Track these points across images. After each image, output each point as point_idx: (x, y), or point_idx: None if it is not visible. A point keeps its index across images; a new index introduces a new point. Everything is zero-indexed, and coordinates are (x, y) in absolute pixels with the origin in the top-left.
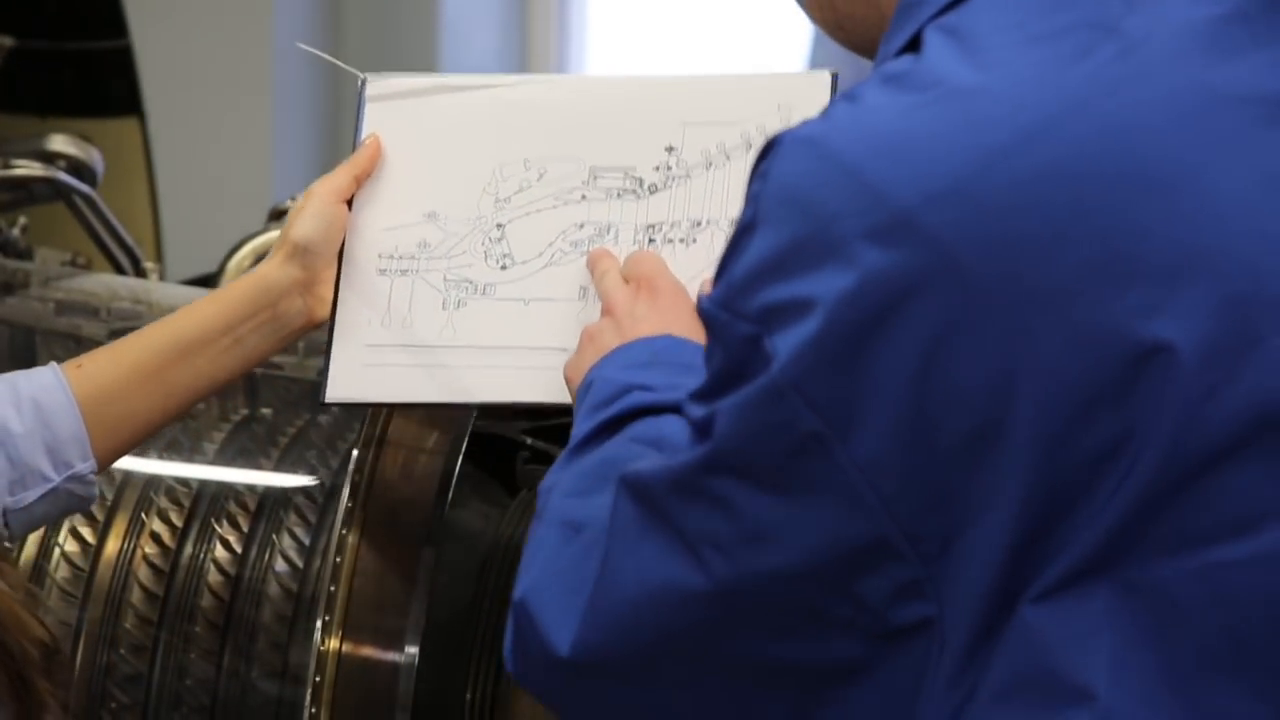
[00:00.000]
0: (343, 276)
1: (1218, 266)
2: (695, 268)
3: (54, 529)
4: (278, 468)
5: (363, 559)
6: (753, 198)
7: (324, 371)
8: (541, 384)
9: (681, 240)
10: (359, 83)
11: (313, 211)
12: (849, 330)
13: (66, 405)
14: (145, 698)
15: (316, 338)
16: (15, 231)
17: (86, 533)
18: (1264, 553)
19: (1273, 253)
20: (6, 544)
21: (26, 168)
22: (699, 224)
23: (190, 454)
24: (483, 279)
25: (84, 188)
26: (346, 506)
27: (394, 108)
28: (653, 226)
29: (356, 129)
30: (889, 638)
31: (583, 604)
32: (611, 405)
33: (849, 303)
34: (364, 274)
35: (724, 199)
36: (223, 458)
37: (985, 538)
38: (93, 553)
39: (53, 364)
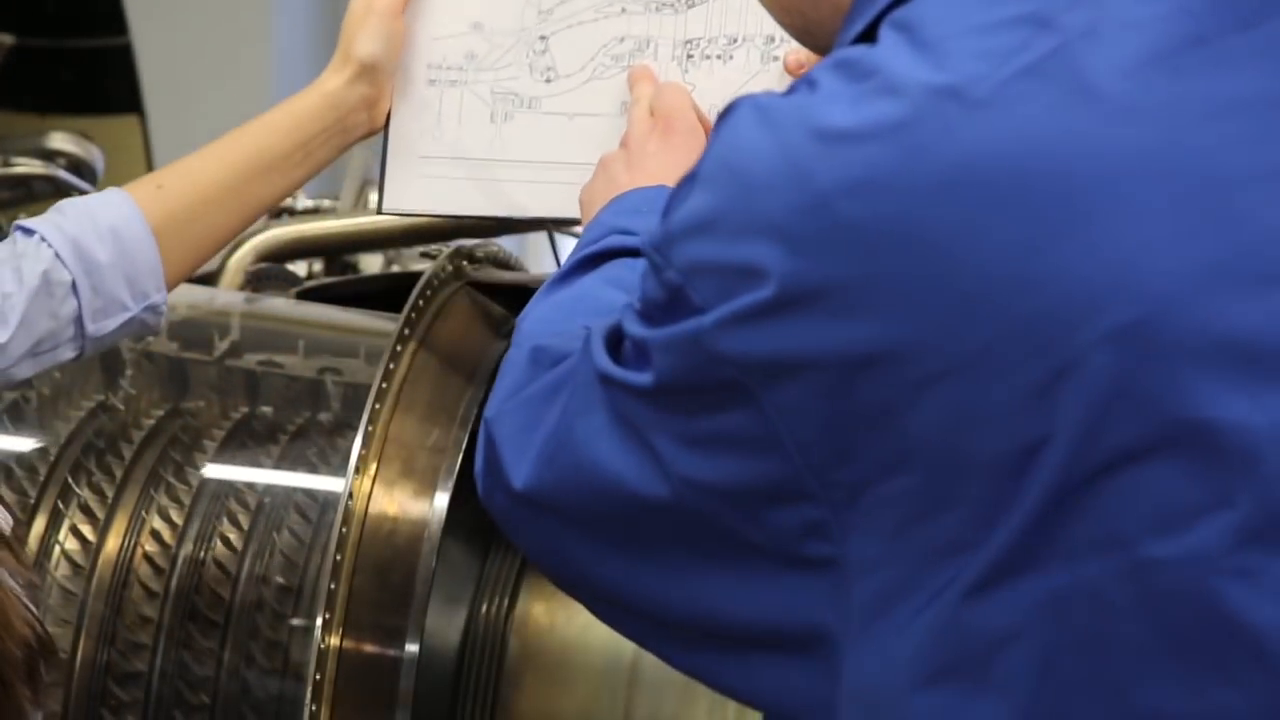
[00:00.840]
0: (395, 88)
1: (1134, 274)
2: (733, 84)
3: (54, 527)
4: (278, 465)
5: (363, 556)
6: (705, 151)
7: (380, 183)
8: None
9: (719, 56)
10: None
11: (375, 28)
12: (768, 307)
13: (144, 236)
14: (146, 695)
15: (318, 338)
16: None
17: (87, 530)
18: (1191, 552)
19: (1191, 262)
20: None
21: (27, 165)
22: (735, 40)
23: (190, 451)
24: (528, 92)
25: (84, 185)
26: (346, 504)
27: None
28: (690, 42)
29: None
30: (797, 563)
31: (538, 444)
32: (593, 244)
33: (771, 281)
34: (415, 85)
35: (759, 15)
36: (223, 455)
37: (890, 498)
38: (93, 550)
39: (121, 191)
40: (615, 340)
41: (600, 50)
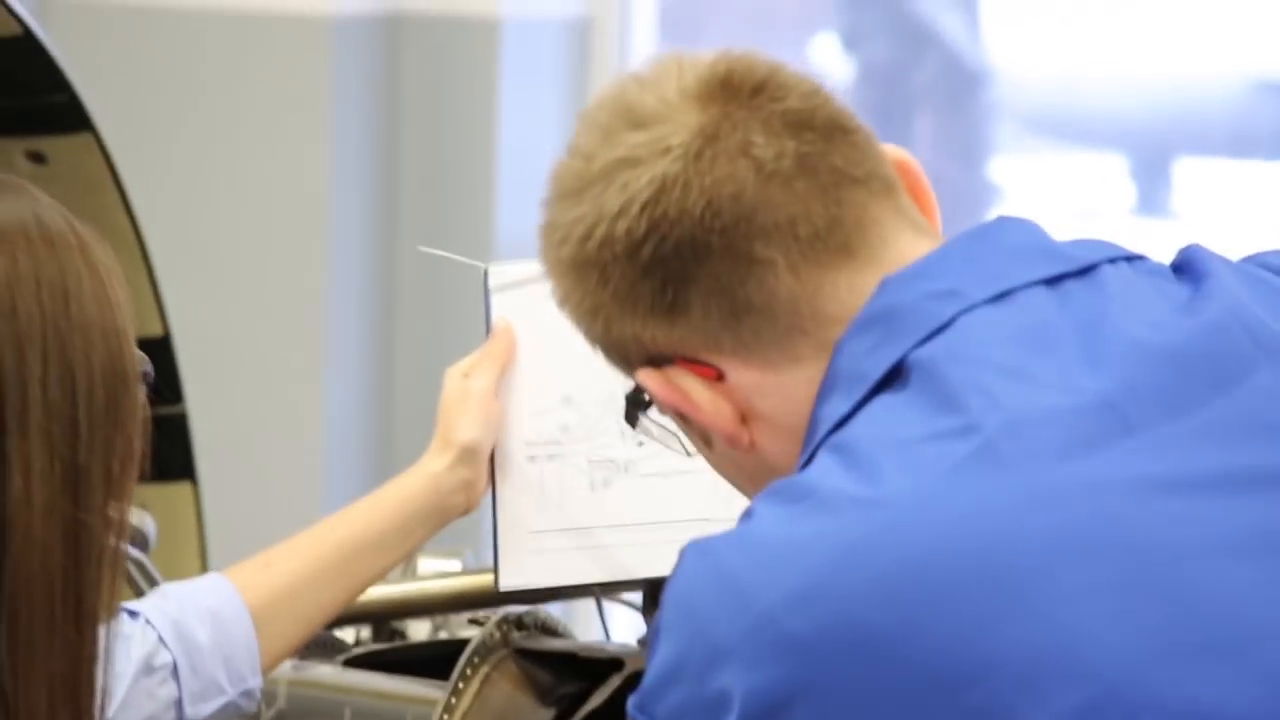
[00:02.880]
0: (497, 467)
1: (1075, 655)
2: None
3: None
4: None
5: None
6: (663, 602)
7: (495, 563)
8: None
9: None
10: (482, 274)
11: (475, 413)
12: None
13: (242, 618)
14: None
15: (365, 706)
16: None
17: None
18: None
19: (1138, 637)
20: None
21: None
22: None
23: None
24: (623, 457)
25: (136, 553)
26: None
27: (518, 295)
28: None
29: (486, 319)
30: None
31: None
32: None
33: (734, 705)
34: (516, 463)
35: None
36: None
37: None
38: None
39: (221, 576)
40: None
41: None
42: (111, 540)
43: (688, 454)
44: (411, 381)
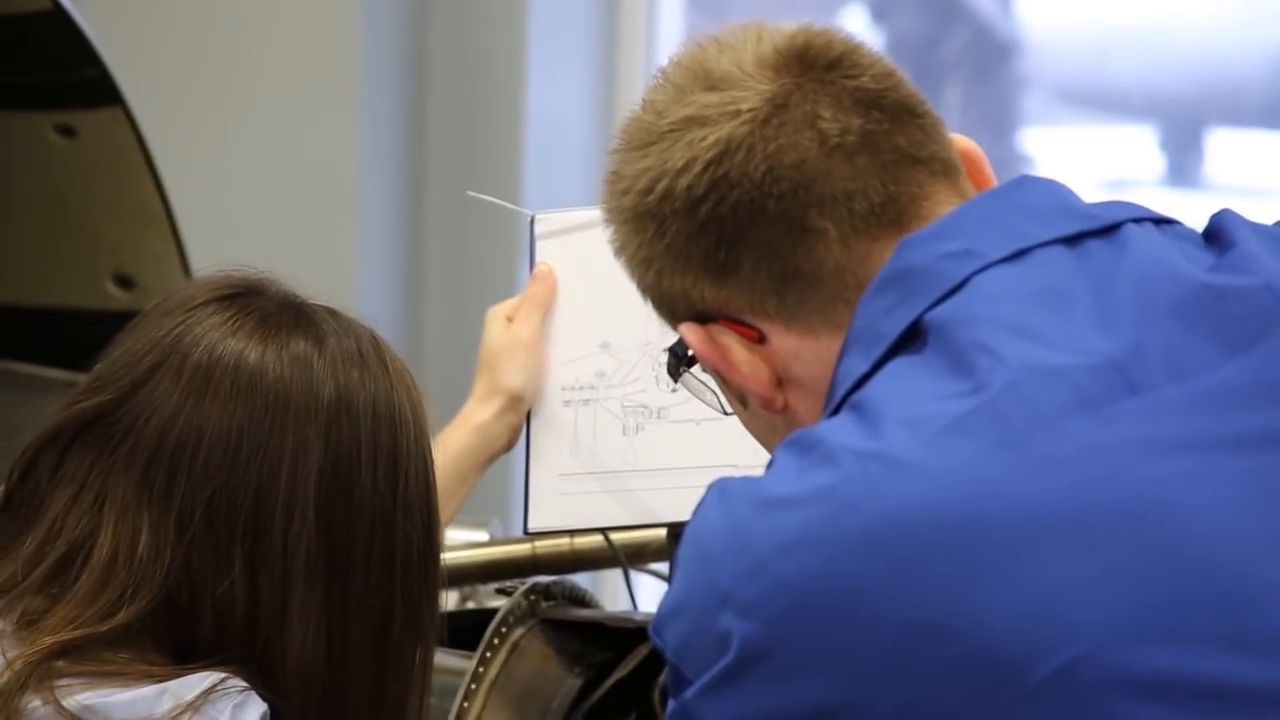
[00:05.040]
0: (532, 411)
1: (1054, 625)
2: None
3: None
4: None
5: None
6: (684, 536)
7: (525, 502)
8: None
9: None
10: (529, 221)
11: (523, 360)
12: (730, 672)
13: None
14: None
15: None
16: None
17: None
18: None
19: (1114, 611)
20: None
21: None
22: None
23: None
24: (656, 403)
25: None
26: None
27: (562, 243)
28: None
29: (530, 265)
30: None
31: None
32: None
33: (733, 646)
34: (551, 407)
35: None
36: None
37: None
38: None
39: None
40: None
41: None
42: (415, 697)
43: (725, 412)
44: (440, 349)
